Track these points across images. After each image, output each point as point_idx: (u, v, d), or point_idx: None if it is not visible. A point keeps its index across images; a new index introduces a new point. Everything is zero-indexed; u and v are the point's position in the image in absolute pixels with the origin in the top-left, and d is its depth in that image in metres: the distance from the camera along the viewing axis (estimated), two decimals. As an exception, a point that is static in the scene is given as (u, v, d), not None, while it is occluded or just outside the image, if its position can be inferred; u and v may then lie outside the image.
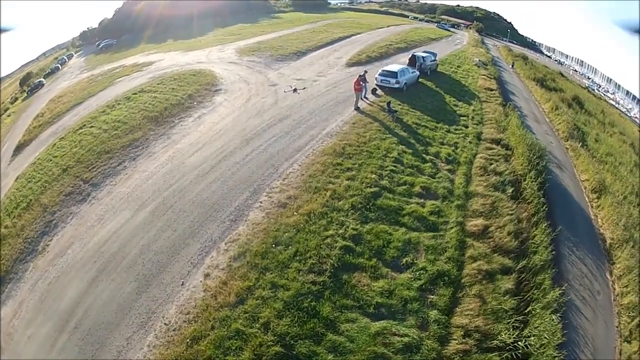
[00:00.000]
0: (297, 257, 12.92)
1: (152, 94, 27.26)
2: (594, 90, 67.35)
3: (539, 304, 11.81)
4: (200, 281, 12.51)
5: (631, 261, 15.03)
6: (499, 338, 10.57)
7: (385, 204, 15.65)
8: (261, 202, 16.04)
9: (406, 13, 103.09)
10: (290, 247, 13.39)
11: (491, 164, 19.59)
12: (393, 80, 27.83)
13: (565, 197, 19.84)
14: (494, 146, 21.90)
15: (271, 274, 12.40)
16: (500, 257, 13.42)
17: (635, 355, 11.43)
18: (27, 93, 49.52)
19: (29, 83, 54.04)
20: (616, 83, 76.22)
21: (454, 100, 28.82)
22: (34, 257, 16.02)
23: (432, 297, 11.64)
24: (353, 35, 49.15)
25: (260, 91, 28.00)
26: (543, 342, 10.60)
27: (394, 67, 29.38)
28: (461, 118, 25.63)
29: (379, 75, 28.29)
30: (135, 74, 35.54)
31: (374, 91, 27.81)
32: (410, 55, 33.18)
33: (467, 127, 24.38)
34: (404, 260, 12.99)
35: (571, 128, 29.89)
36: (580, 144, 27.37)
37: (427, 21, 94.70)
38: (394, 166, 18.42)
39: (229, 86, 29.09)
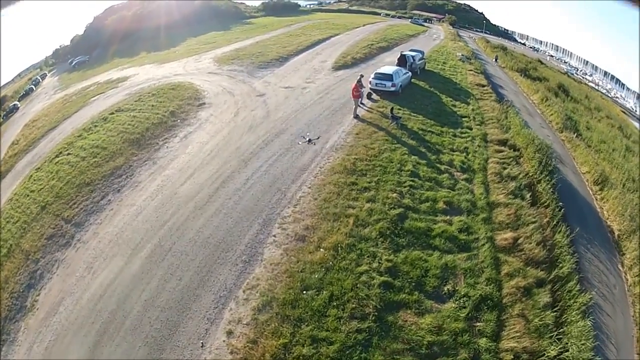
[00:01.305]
0: (334, 303, 11.46)
1: (131, 113, 24.82)
2: (573, 74, 68.01)
3: (573, 311, 11.88)
4: (224, 341, 10.77)
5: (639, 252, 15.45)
6: (547, 354, 10.36)
7: (413, 226, 14.45)
8: (275, 237, 14.15)
9: (377, 10, 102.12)
10: (322, 290, 11.86)
11: (504, 169, 19.07)
12: (389, 84, 26.48)
13: (572, 193, 19.93)
14: (502, 148, 21.34)
15: (308, 326, 10.88)
16: (533, 269, 13.09)
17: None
18: (2, 118, 46.26)
19: (4, 107, 50.62)
20: (593, 65, 77.25)
21: (451, 101, 27.75)
22: (24, 315, 14.09)
23: (479, 324, 11.05)
24: (332, 36, 47.49)
25: (248, 103, 25.97)
26: (581, 349, 10.71)
27: (388, 69, 27.94)
28: (463, 119, 24.67)
29: (374, 78, 26.79)
30: (110, 91, 32.83)
31: (369, 96, 26.33)
32: (398, 55, 31.73)
33: (471, 129, 23.43)
34: (445, 288, 12.09)
35: (564, 119, 30.18)
36: (575, 134, 27.97)
37: (399, 17, 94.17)
38: (412, 181, 17.11)
39: (213, 99, 26.89)
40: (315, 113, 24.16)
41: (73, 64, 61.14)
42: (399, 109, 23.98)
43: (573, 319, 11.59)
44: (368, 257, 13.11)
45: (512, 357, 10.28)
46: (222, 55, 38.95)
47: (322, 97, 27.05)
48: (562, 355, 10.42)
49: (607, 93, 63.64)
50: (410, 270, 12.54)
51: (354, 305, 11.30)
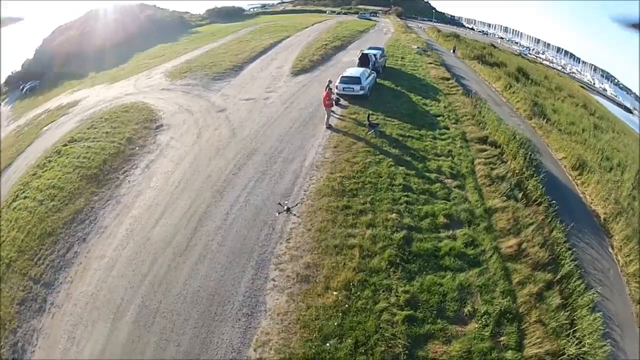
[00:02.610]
0: (361, 349, 10.49)
1: (85, 144, 22.20)
2: (526, 54, 69.63)
3: (581, 308, 12.09)
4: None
5: (628, 230, 16.21)
6: (568, 353, 10.57)
7: (420, 248, 13.64)
8: (274, 280, 12.69)
9: (322, 8, 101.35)
10: (345, 338, 10.77)
11: (492, 169, 18.80)
12: (357, 87, 25.44)
13: (555, 182, 19.92)
14: (484, 147, 21.07)
15: None
16: (541, 273, 13.08)
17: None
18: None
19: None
20: (545, 42, 79.42)
21: (421, 99, 27.19)
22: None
23: (502, 338, 10.90)
24: (283, 39, 45.81)
25: (210, 121, 24.01)
26: (595, 341, 11.01)
27: (354, 71, 26.75)
28: (438, 119, 24.11)
29: (340, 82, 25.57)
30: (61, 118, 29.53)
31: (337, 102, 25.07)
32: (359, 55, 30.71)
33: (448, 128, 22.92)
34: (466, 310, 11.59)
35: (531, 105, 30.36)
36: (545, 120, 28.27)
37: (345, 13, 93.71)
38: (406, 196, 16.26)
39: (171, 119, 24.67)
40: (284, 126, 22.65)
41: (24, 90, 57.47)
42: (373, 114, 22.98)
43: (583, 314, 11.80)
44: (384, 291, 12.12)
45: None
46: (173, 69, 36.36)
47: (288, 107, 25.55)
48: (580, 351, 10.63)
49: (563, 69, 65.52)
50: (429, 298, 11.83)
51: (382, 349, 10.43)
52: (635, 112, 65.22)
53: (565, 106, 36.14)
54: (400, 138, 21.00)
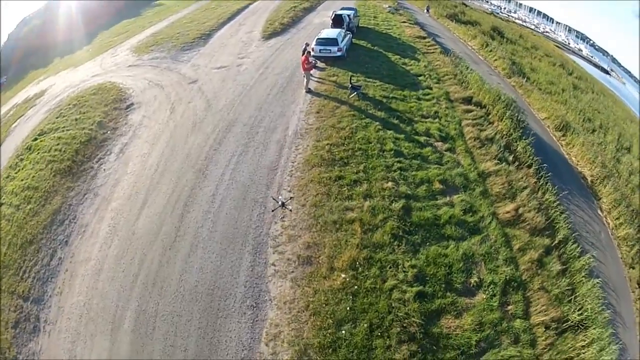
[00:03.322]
0: (377, 332, 9.83)
1: (55, 135, 19.98)
2: (498, 13, 67.08)
3: (579, 273, 11.90)
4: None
5: (616, 194, 16.02)
6: (570, 319, 10.50)
7: (421, 217, 12.88)
8: (275, 265, 11.53)
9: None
10: (359, 322, 10.04)
11: (481, 131, 18.06)
12: (334, 48, 23.80)
13: (541, 144, 19.10)
14: (470, 107, 20.13)
15: None
16: (539, 238, 12.78)
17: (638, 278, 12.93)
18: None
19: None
20: (516, 1, 76.87)
21: (399, 59, 25.42)
22: None
23: (510, 308, 10.61)
24: (250, 4, 42.32)
25: (182, 94, 21.98)
26: (595, 306, 10.90)
27: (330, 32, 24.94)
28: (419, 78, 22.66)
29: (316, 44, 23.81)
30: (29, 111, 26.65)
31: (314, 65, 23.00)
32: (332, 16, 28.43)
33: (431, 88, 21.60)
34: (472, 281, 11.10)
35: (509, 64, 29.18)
36: (525, 79, 27.27)
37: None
38: (399, 162, 15.24)
39: (141, 97, 22.51)
40: (261, 94, 20.88)
41: None
42: (353, 76, 21.26)
43: (581, 280, 11.64)
44: (390, 268, 11.30)
45: (543, 329, 10.19)
46: (139, 44, 33.33)
47: (263, 73, 23.61)
48: (582, 317, 10.56)
49: (536, 29, 63.34)
50: (436, 271, 11.19)
51: (398, 329, 9.80)
52: (613, 73, 64.08)
53: (543, 65, 34.68)
54: (384, 100, 19.57)
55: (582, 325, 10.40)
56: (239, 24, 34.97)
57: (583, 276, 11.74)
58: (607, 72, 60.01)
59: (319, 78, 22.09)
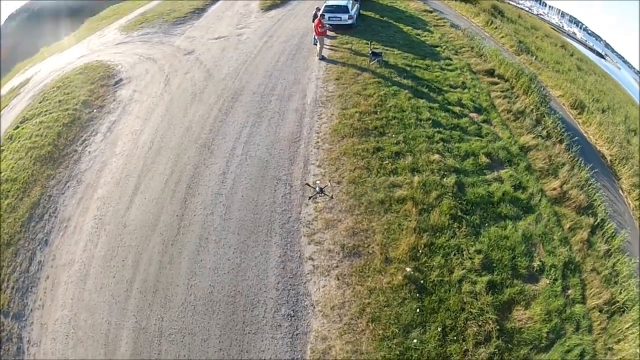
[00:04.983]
0: (451, 336, 7.53)
1: (37, 120, 16.55)
2: None
3: (621, 254, 10.74)
4: None
5: (635, 179, 15.21)
6: (619, 299, 9.39)
7: (475, 194, 10.63)
8: (313, 259, 8.37)
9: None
10: (429, 325, 7.60)
11: (510, 104, 16.10)
12: (345, 16, 20.62)
13: (563, 122, 17.28)
14: (494, 79, 18.01)
15: None
16: (584, 217, 11.42)
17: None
18: None
19: None
20: None
21: (411, 30, 22.29)
22: None
23: (570, 292, 9.25)
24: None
25: (177, 66, 18.53)
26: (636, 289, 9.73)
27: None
28: (436, 49, 19.74)
29: (326, 12, 20.45)
30: (13, 100, 23.15)
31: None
32: None
33: (451, 59, 18.77)
34: (535, 265, 9.37)
35: (517, 41, 26.92)
36: (534, 57, 25.32)
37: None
38: (439, 132, 12.78)
39: (131, 72, 19.02)
40: (269, 61, 17.48)
41: None
42: (367, 44, 18.26)
43: (624, 260, 10.53)
44: (455, 255, 8.80)
45: (598, 313, 9.09)
46: (128, 23, 29.59)
47: (267, 41, 20.14)
48: (627, 297, 9.47)
49: (529, 11, 59.71)
50: (501, 256, 9.20)
51: (474, 329, 7.66)
52: (608, 58, 60.87)
53: (546, 45, 32.34)
54: (408, 68, 16.64)
55: (626, 306, 9.37)
56: (234, -2, 31.09)
57: (623, 256, 10.59)
58: (602, 56, 57.02)
59: (331, 45, 19.00)
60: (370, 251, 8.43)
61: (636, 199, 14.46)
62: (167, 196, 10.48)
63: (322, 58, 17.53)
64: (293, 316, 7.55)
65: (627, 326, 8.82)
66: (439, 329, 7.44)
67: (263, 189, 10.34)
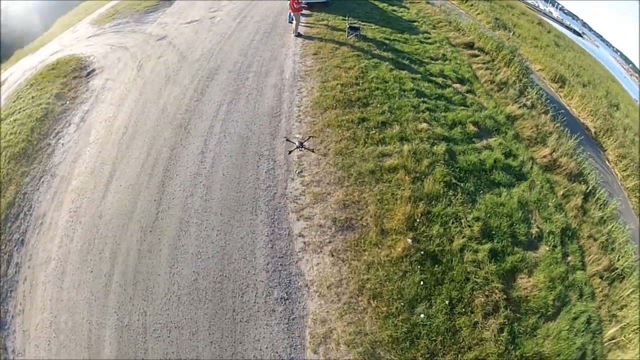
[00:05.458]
0: (458, 308, 6.69)
1: (12, 119, 14.90)
2: None
3: (615, 220, 10.23)
4: None
5: (621, 150, 14.84)
6: (618, 266, 8.86)
7: (467, 162, 9.76)
8: (303, 236, 7.27)
9: None
10: (434, 298, 6.72)
11: (492, 75, 15.06)
12: None
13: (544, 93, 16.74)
14: (474, 52, 16.94)
15: (445, 356, 6.06)
16: (576, 184, 10.98)
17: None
18: None
19: None
20: None
21: (387, 6, 20.75)
22: None
23: (570, 259, 8.61)
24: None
25: (150, 52, 16.84)
26: (633, 254, 9.31)
27: None
28: (414, 24, 18.44)
29: None
30: None
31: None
32: None
33: (429, 33, 17.55)
34: (533, 232, 8.67)
35: (493, 18, 25.71)
36: (512, 33, 24.28)
37: None
38: (424, 102, 11.65)
39: (103, 61, 17.27)
40: (244, 40, 15.94)
41: None
42: (350, 18, 16.78)
43: (617, 226, 10.10)
44: (453, 223, 7.87)
45: (599, 280, 8.59)
46: (99, 17, 27.35)
47: (241, 22, 18.50)
48: (626, 264, 9.03)
49: None
50: (500, 223, 8.41)
51: (481, 300, 6.89)
52: (585, 36, 59.36)
53: (523, 22, 31.41)
54: (386, 41, 15.39)
55: (625, 273, 9.01)
56: (206, -18, 28.95)
57: (617, 223, 10.13)
58: (579, 35, 55.57)
59: (307, 22, 17.47)
60: (364, 224, 7.35)
61: (623, 170, 14.07)
62: (143, 181, 9.16)
63: (299, 35, 16.12)
64: (287, 299, 6.47)
65: (628, 293, 8.48)
66: (446, 302, 6.57)
67: (245, 165, 9.10)
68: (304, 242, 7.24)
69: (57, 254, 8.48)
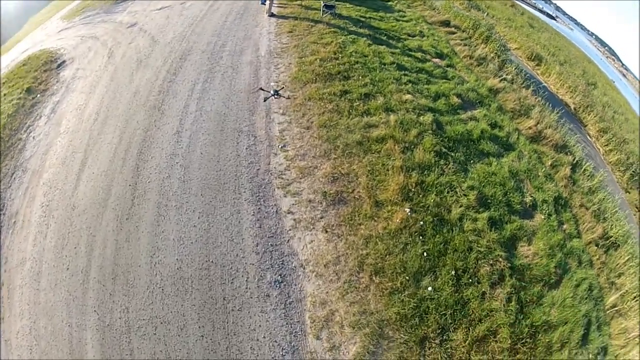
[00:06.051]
0: (465, 279, 5.85)
1: None
2: None
3: (603, 191, 9.78)
4: None
5: (602, 124, 14.44)
6: (612, 234, 8.38)
7: (455, 132, 8.95)
8: (292, 213, 6.27)
9: None
10: (439, 270, 5.89)
11: (471, 51, 14.13)
12: None
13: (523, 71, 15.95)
14: (451, 29, 15.79)
15: (458, 327, 5.35)
16: (562, 155, 10.36)
17: (636, 202, 11.42)
18: None
19: None
20: None
21: None
22: None
23: (565, 227, 7.91)
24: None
25: (121, 39, 15.09)
26: (623, 223, 8.93)
27: None
28: (389, 3, 17.06)
29: None
30: None
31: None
32: None
33: (404, 12, 16.24)
34: (527, 200, 7.98)
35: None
36: (485, 13, 22.95)
37: None
38: (406, 75, 10.60)
39: (73, 52, 15.40)
40: (216, 22, 14.39)
41: None
42: None
43: (606, 196, 9.70)
44: (449, 192, 7.05)
45: (595, 247, 8.03)
46: (69, 12, 24.82)
47: (213, 5, 16.83)
48: (620, 232, 8.59)
49: None
50: (494, 192, 7.72)
51: (487, 269, 6.08)
52: (559, 19, 57.75)
53: (496, 4, 30.14)
54: (363, 19, 14.12)
55: (619, 242, 8.57)
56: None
57: (606, 193, 9.72)
58: (553, 18, 54.20)
59: (280, 3, 15.92)
60: (357, 196, 6.34)
61: (605, 144, 13.54)
62: (116, 166, 7.85)
63: (272, 15, 14.66)
64: (281, 282, 5.44)
65: (624, 260, 8.07)
66: (452, 273, 5.74)
67: (224, 142, 7.88)
68: (294, 219, 6.17)
69: (32, 253, 7.20)
